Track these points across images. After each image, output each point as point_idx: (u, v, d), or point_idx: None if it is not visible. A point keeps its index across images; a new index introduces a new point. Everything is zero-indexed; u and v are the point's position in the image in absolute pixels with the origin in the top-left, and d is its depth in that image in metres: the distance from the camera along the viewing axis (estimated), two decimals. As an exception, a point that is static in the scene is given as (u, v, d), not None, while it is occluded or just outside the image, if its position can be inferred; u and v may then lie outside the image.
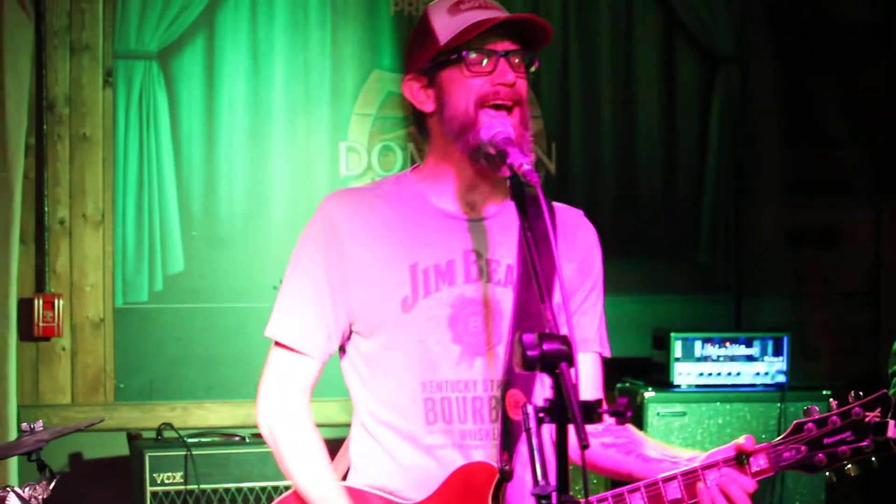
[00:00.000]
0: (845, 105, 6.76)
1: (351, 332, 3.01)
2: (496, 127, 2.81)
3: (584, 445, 2.30)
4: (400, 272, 2.93)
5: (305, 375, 3.01)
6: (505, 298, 2.95)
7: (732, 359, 6.16)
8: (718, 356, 6.14)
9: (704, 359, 6.14)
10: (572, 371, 2.38)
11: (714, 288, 6.88)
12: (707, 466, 2.88)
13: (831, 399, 2.89)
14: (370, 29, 6.50)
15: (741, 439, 2.88)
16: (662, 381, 6.13)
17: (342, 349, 3.05)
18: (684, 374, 6.11)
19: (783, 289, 6.88)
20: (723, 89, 6.91)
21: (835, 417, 2.85)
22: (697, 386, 6.10)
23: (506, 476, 2.85)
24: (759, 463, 2.87)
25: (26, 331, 6.08)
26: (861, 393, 2.86)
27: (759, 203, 6.90)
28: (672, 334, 6.12)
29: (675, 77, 6.90)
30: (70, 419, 5.88)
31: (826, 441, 2.85)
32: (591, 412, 2.37)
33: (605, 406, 2.41)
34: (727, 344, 6.16)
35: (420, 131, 3.08)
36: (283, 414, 3.01)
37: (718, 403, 6.05)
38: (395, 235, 2.96)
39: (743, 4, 6.91)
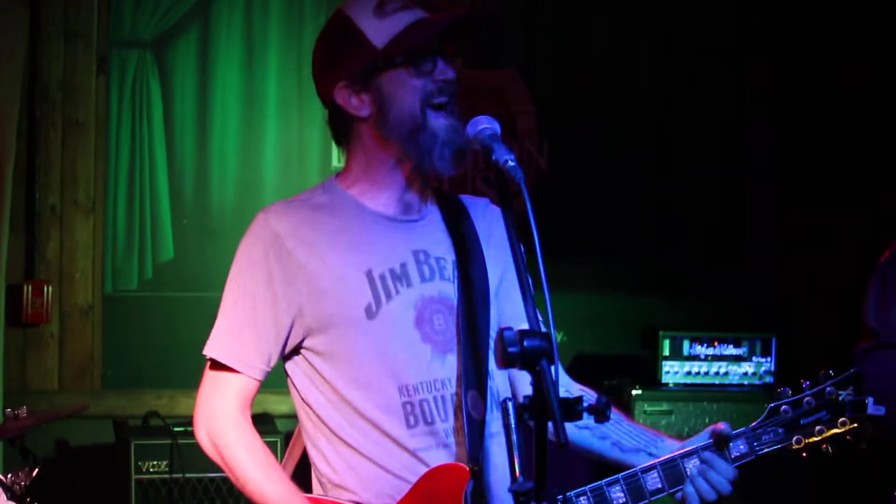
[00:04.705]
0: (841, 105, 6.73)
1: (302, 347, 2.96)
2: (482, 123, 2.76)
3: (562, 444, 2.29)
4: (357, 280, 2.89)
5: (246, 392, 2.96)
6: (455, 294, 2.96)
7: (720, 358, 6.16)
8: (706, 355, 6.14)
9: (692, 358, 6.14)
10: (552, 368, 2.37)
11: (704, 287, 6.87)
12: (686, 454, 2.90)
13: (802, 380, 2.93)
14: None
15: (719, 424, 2.90)
16: (650, 378, 6.13)
17: (292, 359, 2.99)
18: (672, 372, 6.11)
19: (774, 290, 6.87)
20: (716, 83, 6.91)
21: (809, 398, 2.91)
22: (685, 385, 6.11)
23: (475, 476, 2.81)
24: (739, 448, 2.91)
25: (15, 317, 6.07)
26: (832, 372, 2.91)
27: (753, 203, 6.90)
28: (660, 332, 6.12)
29: (669, 71, 6.90)
30: (57, 405, 5.87)
31: (803, 422, 2.91)
32: (570, 410, 2.37)
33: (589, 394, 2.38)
34: (715, 343, 6.16)
35: (341, 136, 3.05)
36: (222, 421, 2.94)
37: (706, 402, 6.05)
38: (342, 244, 2.93)
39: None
